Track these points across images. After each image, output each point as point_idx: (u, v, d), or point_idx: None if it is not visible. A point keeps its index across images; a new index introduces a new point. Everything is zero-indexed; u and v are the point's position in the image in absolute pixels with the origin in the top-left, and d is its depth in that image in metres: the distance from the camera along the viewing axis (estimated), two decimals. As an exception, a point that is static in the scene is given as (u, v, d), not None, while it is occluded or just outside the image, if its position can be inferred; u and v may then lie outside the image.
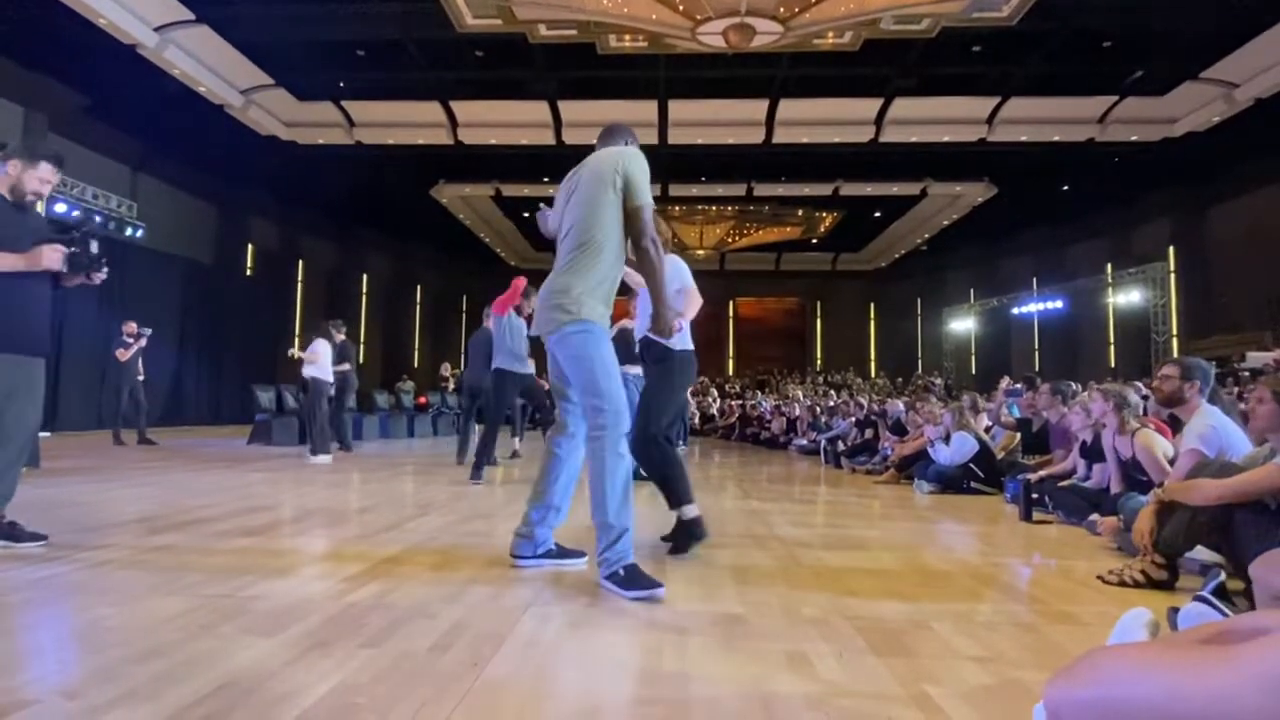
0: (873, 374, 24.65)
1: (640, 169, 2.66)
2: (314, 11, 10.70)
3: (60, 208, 10.68)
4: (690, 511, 3.15)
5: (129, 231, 11.86)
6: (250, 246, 17.62)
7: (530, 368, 6.26)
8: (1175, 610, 2.00)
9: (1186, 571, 2.76)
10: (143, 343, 9.42)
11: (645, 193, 2.65)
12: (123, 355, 9.26)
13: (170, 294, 14.36)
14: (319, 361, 7.44)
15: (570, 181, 2.79)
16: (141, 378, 9.50)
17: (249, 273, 17.53)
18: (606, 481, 2.49)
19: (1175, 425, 3.83)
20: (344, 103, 14.04)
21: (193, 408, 14.98)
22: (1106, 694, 0.82)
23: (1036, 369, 18.04)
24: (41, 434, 7.57)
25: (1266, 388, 2.56)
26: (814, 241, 22.80)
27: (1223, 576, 2.27)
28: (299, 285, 19.12)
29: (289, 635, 1.88)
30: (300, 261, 19.18)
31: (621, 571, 2.43)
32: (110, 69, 11.27)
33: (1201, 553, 2.74)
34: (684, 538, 3.13)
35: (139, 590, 2.32)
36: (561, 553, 2.82)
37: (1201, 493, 2.50)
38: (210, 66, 12.07)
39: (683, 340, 3.37)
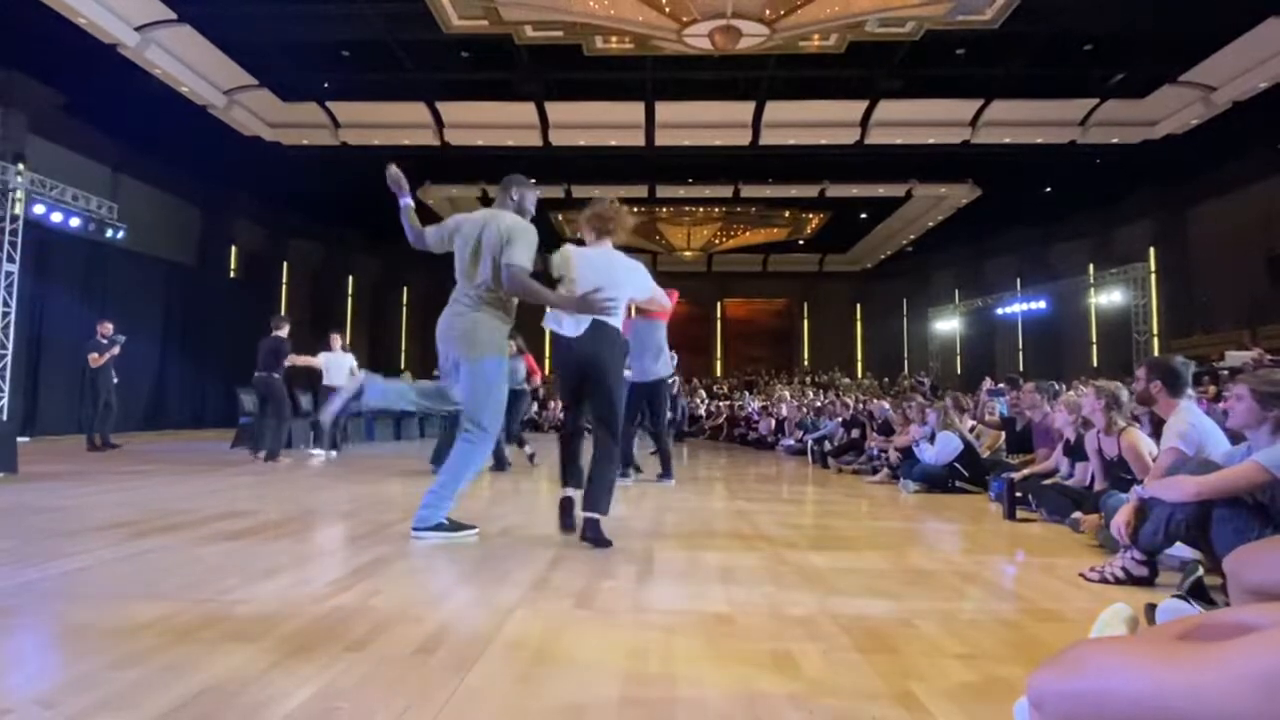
0: (860, 374, 24.78)
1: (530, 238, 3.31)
2: (298, 11, 10.61)
3: (39, 209, 10.52)
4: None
5: (110, 233, 11.68)
6: (234, 248, 17.45)
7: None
8: (1153, 607, 2.02)
9: (1166, 568, 2.79)
10: (116, 350, 9.03)
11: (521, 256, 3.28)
12: (96, 361, 8.88)
13: (152, 297, 14.17)
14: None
15: (476, 228, 3.38)
16: (116, 381, 9.14)
17: (233, 275, 17.36)
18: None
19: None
20: (329, 103, 13.94)
21: (175, 412, 14.79)
22: (1091, 687, 0.82)
23: (1020, 369, 18.21)
24: (20, 439, 7.46)
25: (1245, 385, 2.60)
26: (801, 243, 22.89)
27: (1200, 573, 2.30)
28: (284, 287, 18.96)
29: (271, 640, 1.86)
30: (285, 263, 19.01)
31: (447, 521, 3.27)
32: (90, 68, 11.12)
33: (1181, 549, 2.77)
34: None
35: (118, 596, 2.29)
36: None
37: (1180, 489, 2.53)
38: (192, 66, 11.95)
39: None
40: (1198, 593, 2.12)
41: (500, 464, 6.99)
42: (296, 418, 8.81)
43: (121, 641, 1.83)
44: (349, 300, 21.22)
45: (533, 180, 3.65)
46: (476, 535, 3.36)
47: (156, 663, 1.69)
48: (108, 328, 9.09)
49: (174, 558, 2.89)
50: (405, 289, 23.54)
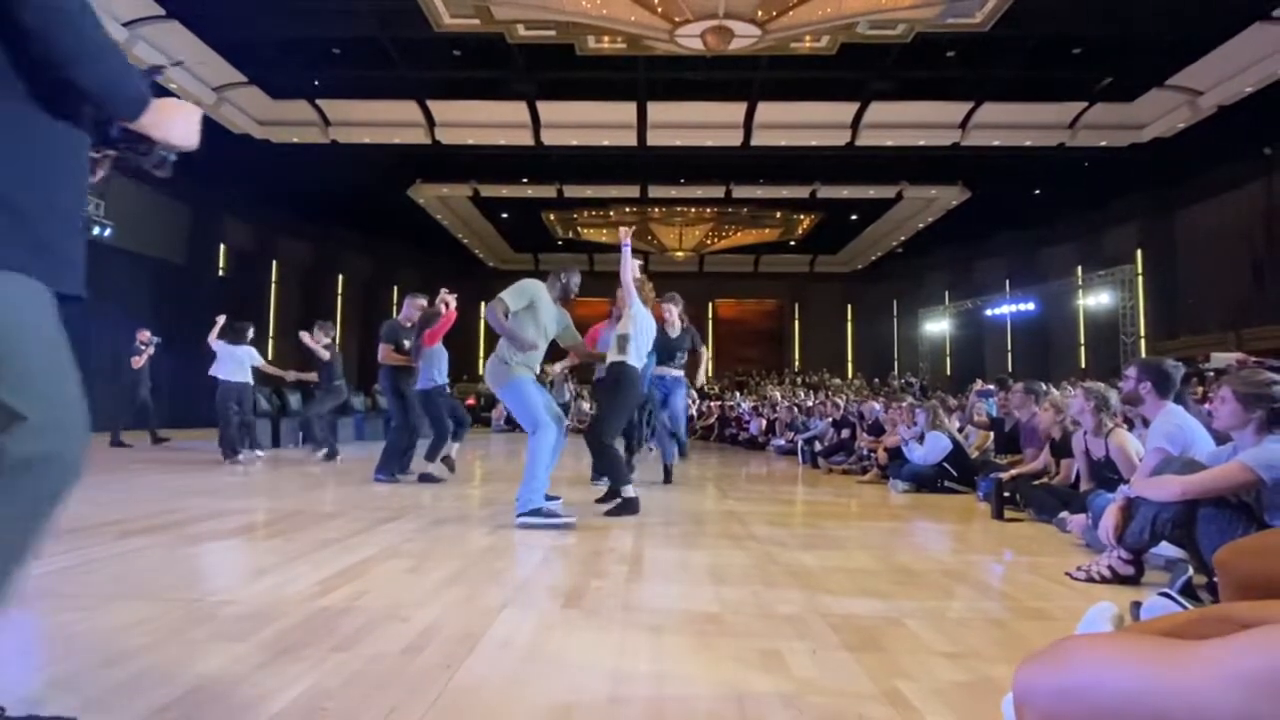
0: (850, 375, 24.86)
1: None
2: (288, 7, 10.54)
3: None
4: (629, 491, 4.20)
5: (97, 231, 11.60)
6: (223, 246, 17.30)
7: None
8: (1138, 605, 2.04)
9: (1152, 567, 2.82)
10: (150, 350, 9.98)
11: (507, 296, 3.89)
12: (137, 363, 9.83)
13: (141, 295, 14.02)
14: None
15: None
16: (151, 385, 10.11)
17: (222, 273, 17.22)
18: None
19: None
20: (319, 101, 13.86)
21: (165, 410, 14.63)
22: (1078, 682, 0.83)
23: (1009, 370, 18.32)
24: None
25: (1229, 387, 2.62)
26: (792, 243, 22.95)
27: (1190, 572, 2.32)
28: (273, 286, 18.83)
29: (259, 640, 1.85)
30: (274, 262, 18.89)
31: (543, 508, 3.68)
32: (77, 64, 11.01)
33: (1166, 548, 2.80)
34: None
35: (106, 595, 2.27)
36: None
37: (1166, 489, 2.56)
38: (181, 63, 11.84)
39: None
40: (1187, 593, 2.14)
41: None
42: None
43: (109, 641, 1.82)
44: (339, 299, 21.09)
45: (578, 267, 4.39)
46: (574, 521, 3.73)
47: (144, 662, 1.68)
48: (145, 334, 10.03)
49: (161, 557, 2.86)
50: (396, 288, 23.41)
